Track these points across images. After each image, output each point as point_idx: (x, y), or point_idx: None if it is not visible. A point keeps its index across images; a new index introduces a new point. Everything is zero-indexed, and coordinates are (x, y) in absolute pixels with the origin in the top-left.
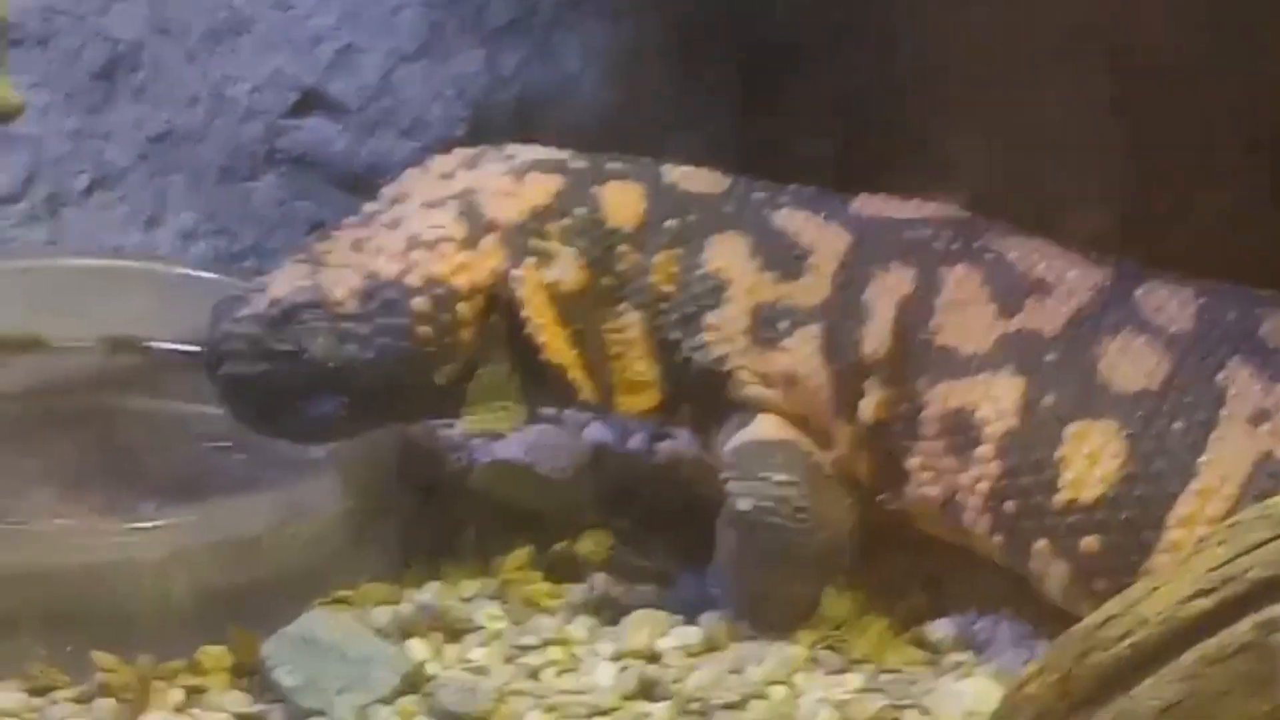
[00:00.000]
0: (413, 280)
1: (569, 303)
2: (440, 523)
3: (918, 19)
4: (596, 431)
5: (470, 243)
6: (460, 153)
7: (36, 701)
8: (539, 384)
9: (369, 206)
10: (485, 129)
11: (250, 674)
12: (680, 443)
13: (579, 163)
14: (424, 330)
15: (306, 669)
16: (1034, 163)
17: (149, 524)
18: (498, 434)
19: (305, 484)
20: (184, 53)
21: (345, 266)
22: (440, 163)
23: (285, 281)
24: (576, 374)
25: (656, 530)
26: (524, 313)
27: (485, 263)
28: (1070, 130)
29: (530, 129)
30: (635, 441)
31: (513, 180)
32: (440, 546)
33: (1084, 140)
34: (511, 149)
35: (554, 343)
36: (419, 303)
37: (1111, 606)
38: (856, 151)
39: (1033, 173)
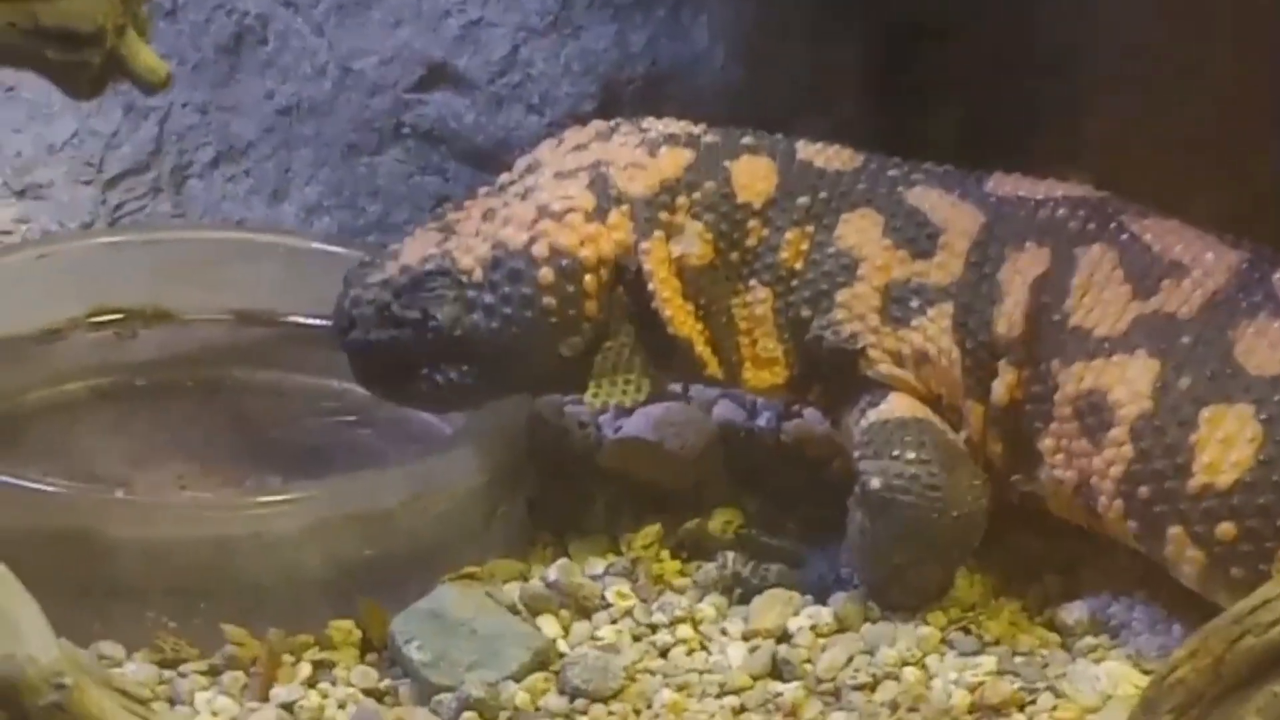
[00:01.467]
0: (539, 250)
1: (696, 277)
2: (568, 499)
3: None
4: (724, 409)
5: (598, 214)
6: (596, 124)
7: (166, 673)
8: (664, 358)
9: (503, 176)
10: (613, 105)
11: (379, 649)
12: (808, 420)
13: (712, 137)
14: (549, 301)
15: (436, 645)
16: (1169, 141)
17: (281, 497)
18: (622, 407)
19: (437, 459)
20: (311, 26)
21: (475, 235)
22: (575, 134)
23: (416, 249)
24: (702, 349)
25: (785, 509)
26: (650, 286)
27: (612, 235)
28: (1207, 108)
29: (658, 106)
30: (763, 419)
31: (645, 153)
32: (568, 523)
33: (1220, 119)
34: (647, 122)
35: (679, 317)
36: (544, 273)
37: (1266, 590)
38: (988, 129)
39: (1167, 151)
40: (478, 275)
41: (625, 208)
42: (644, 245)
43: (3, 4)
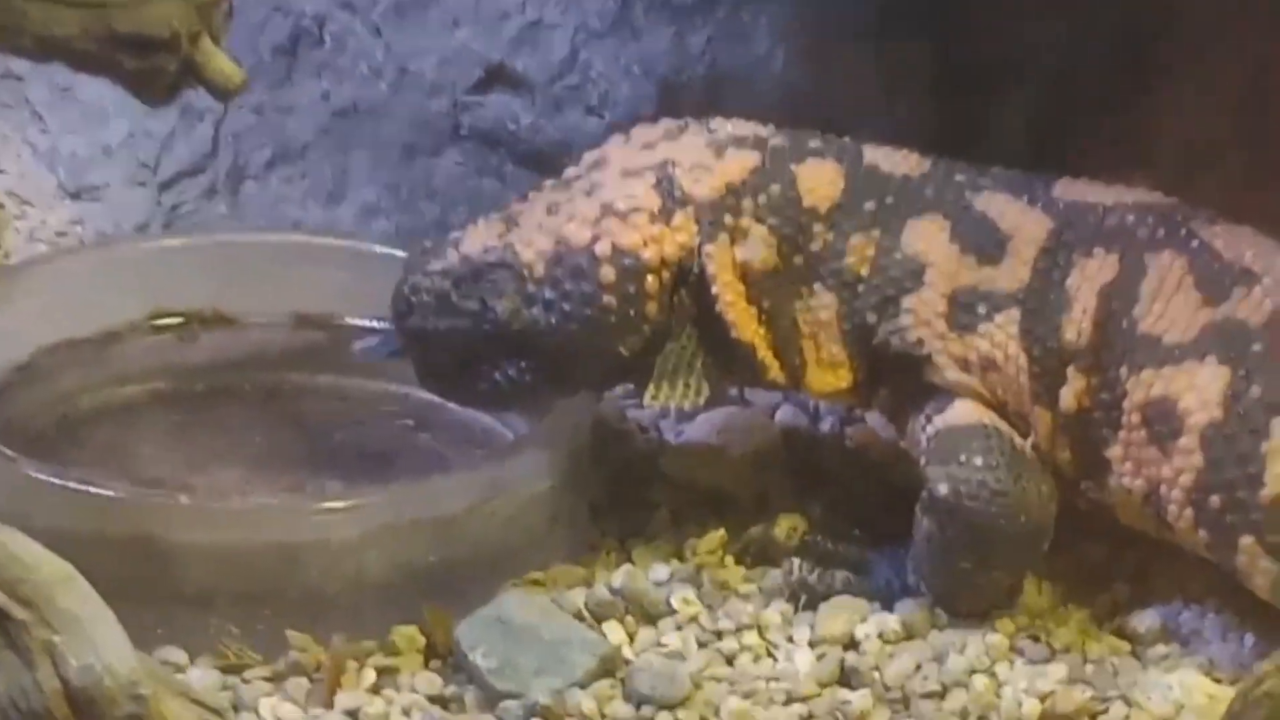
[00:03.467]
0: (601, 249)
1: (759, 281)
2: (630, 504)
3: None
4: (787, 414)
5: (663, 215)
6: (665, 123)
7: (229, 679)
8: (726, 362)
9: (569, 170)
10: (673, 107)
11: (443, 655)
12: (871, 425)
13: (779, 140)
14: (609, 300)
15: (502, 651)
16: (1238, 137)
17: (345, 503)
18: (681, 410)
19: (501, 463)
20: (368, 27)
21: (537, 229)
22: (643, 132)
23: (477, 239)
24: (764, 353)
25: (849, 514)
26: (713, 290)
27: (676, 237)
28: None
29: (718, 108)
30: (826, 424)
31: (712, 154)
32: (630, 528)
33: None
34: (716, 123)
35: (742, 320)
36: (605, 272)
37: None
38: (1052, 131)
39: (1235, 148)
40: (539, 270)
41: (690, 210)
42: (708, 248)
43: (77, 10)
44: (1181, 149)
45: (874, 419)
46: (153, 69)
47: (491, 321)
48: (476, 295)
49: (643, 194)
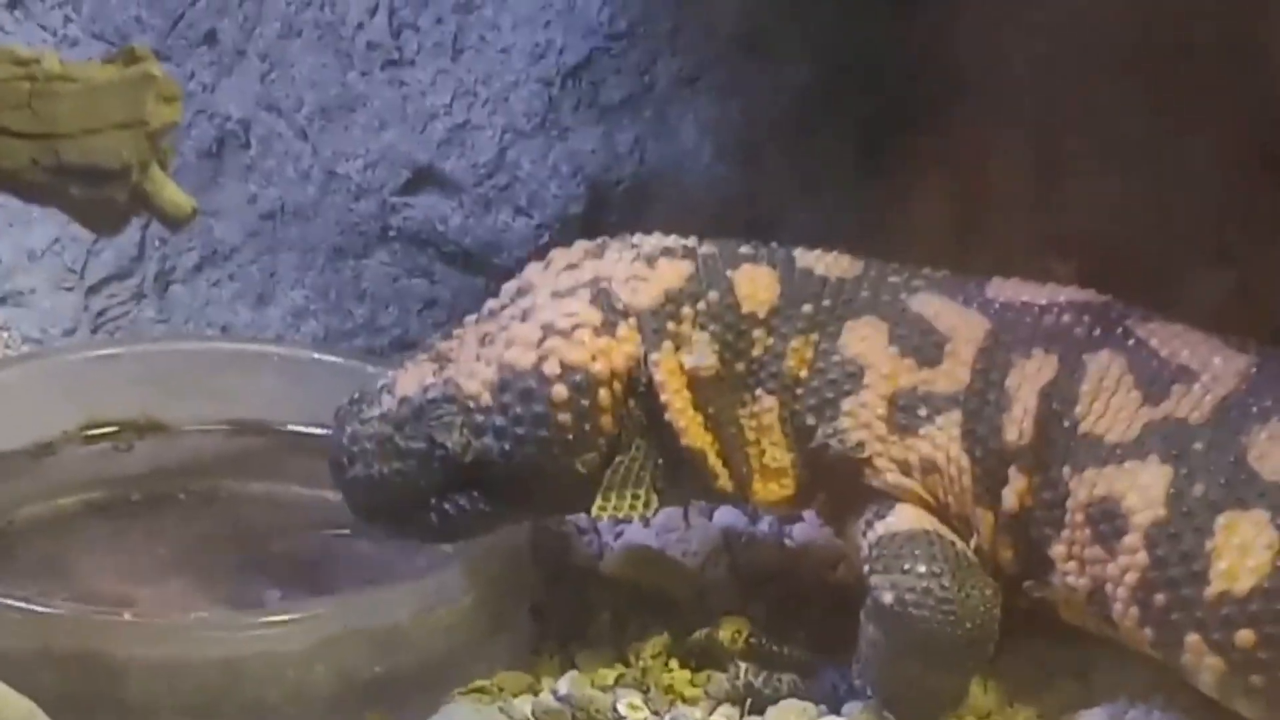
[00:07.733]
0: (550, 368)
1: (705, 388)
2: (572, 607)
3: (1040, 87)
4: (726, 514)
5: (607, 328)
6: (582, 244)
7: None
8: (675, 472)
9: (491, 303)
10: (601, 206)
11: None
12: (810, 525)
13: (708, 248)
14: (563, 418)
15: None
16: (1156, 227)
17: (289, 615)
18: (628, 521)
19: (444, 572)
20: (294, 129)
21: (475, 360)
22: (563, 254)
23: (412, 380)
24: (714, 460)
25: (793, 616)
26: (663, 398)
27: (623, 348)
28: (1193, 195)
29: (647, 205)
30: (765, 524)
31: (643, 265)
32: (572, 632)
33: (1209, 205)
34: (636, 238)
35: (692, 429)
36: (558, 390)
37: None
38: (975, 222)
39: (1155, 236)
40: (485, 399)
41: (633, 320)
42: (654, 357)
43: (26, 141)
44: (1091, 234)
45: (812, 517)
46: (103, 200)
47: (441, 458)
48: (422, 434)
49: (582, 310)
